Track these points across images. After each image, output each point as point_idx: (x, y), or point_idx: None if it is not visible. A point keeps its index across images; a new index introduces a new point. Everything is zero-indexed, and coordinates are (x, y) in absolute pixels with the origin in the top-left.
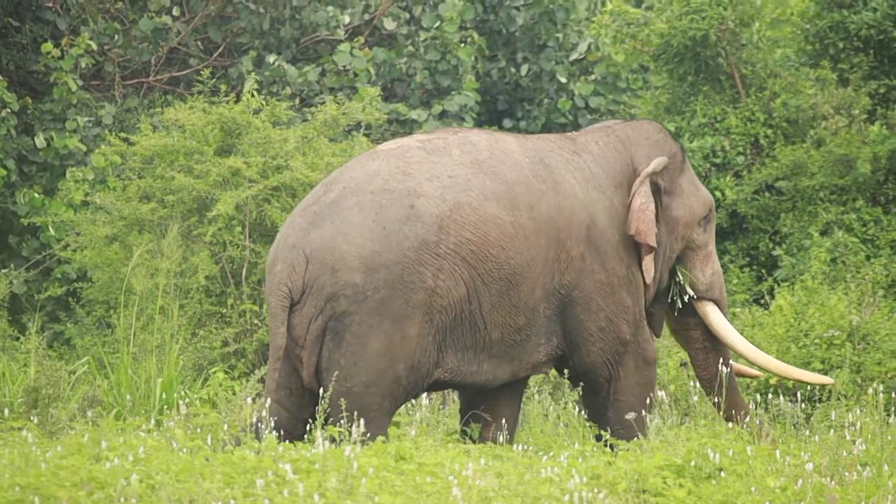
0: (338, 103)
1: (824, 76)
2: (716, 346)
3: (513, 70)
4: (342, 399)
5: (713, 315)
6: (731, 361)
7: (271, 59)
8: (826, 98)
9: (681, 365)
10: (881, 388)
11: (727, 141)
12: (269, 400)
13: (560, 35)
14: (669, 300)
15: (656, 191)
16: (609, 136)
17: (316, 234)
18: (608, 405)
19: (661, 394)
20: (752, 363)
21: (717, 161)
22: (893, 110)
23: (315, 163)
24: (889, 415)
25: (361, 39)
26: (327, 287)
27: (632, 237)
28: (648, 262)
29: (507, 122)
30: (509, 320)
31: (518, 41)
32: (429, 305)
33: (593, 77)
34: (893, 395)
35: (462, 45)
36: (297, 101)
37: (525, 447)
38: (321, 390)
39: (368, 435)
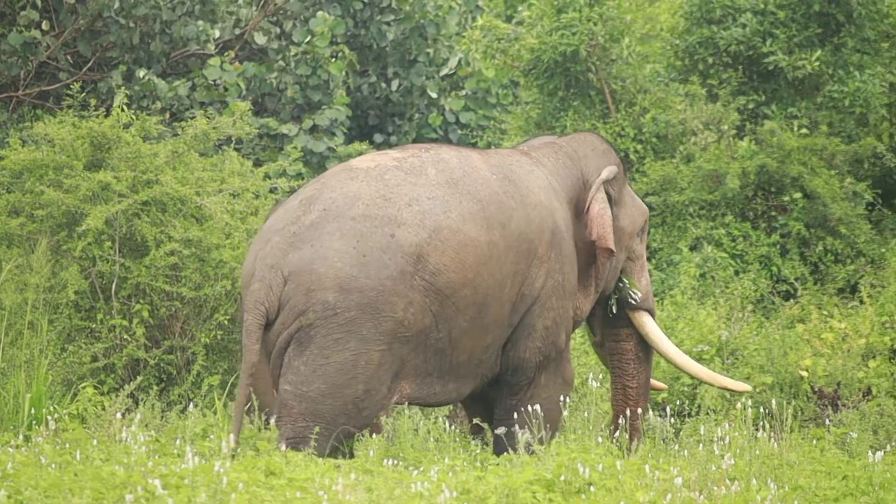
0: (208, 118)
1: (694, 92)
2: (647, 356)
3: (383, 85)
4: (297, 402)
5: (649, 325)
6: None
7: (141, 73)
8: (695, 113)
9: None
10: (749, 402)
11: None
12: (237, 413)
13: (430, 50)
14: (608, 311)
15: (608, 200)
16: (557, 151)
17: (295, 255)
18: (520, 410)
19: (535, 407)
20: (683, 371)
21: None
22: (762, 126)
23: (185, 177)
24: (757, 429)
25: (232, 54)
26: (299, 305)
27: (584, 249)
28: (602, 267)
29: (377, 137)
30: (478, 342)
31: (389, 56)
32: (393, 335)
33: (464, 92)
34: (762, 409)
35: (333, 59)
36: (168, 115)
37: (395, 462)
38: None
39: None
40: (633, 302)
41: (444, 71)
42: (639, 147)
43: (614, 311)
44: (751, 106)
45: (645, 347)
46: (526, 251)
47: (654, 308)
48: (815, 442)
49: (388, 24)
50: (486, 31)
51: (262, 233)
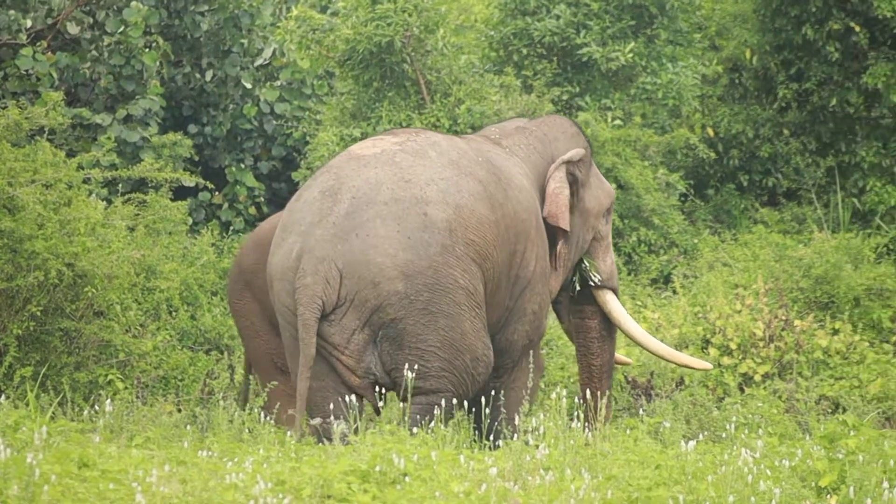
0: (21, 108)
1: (508, 83)
2: (611, 334)
3: (198, 75)
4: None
5: (613, 303)
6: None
7: None
8: (510, 104)
9: None
10: (564, 392)
11: None
12: (300, 405)
13: (245, 40)
14: (571, 290)
15: (573, 181)
16: (528, 137)
17: (344, 247)
18: (500, 394)
19: (350, 398)
20: (646, 349)
21: None
22: (576, 117)
23: None
24: (572, 419)
25: (45, 44)
26: (371, 300)
27: (550, 230)
28: (563, 247)
29: (192, 128)
30: (489, 318)
31: (203, 46)
32: (470, 302)
33: (279, 83)
34: (576, 399)
35: (147, 49)
36: None
37: (209, 453)
38: (396, 385)
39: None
40: (593, 283)
41: (259, 61)
42: None
43: (577, 288)
44: (565, 97)
45: (608, 325)
46: (523, 232)
47: (617, 287)
48: (628, 432)
49: (202, 14)
50: (300, 21)
51: (290, 227)
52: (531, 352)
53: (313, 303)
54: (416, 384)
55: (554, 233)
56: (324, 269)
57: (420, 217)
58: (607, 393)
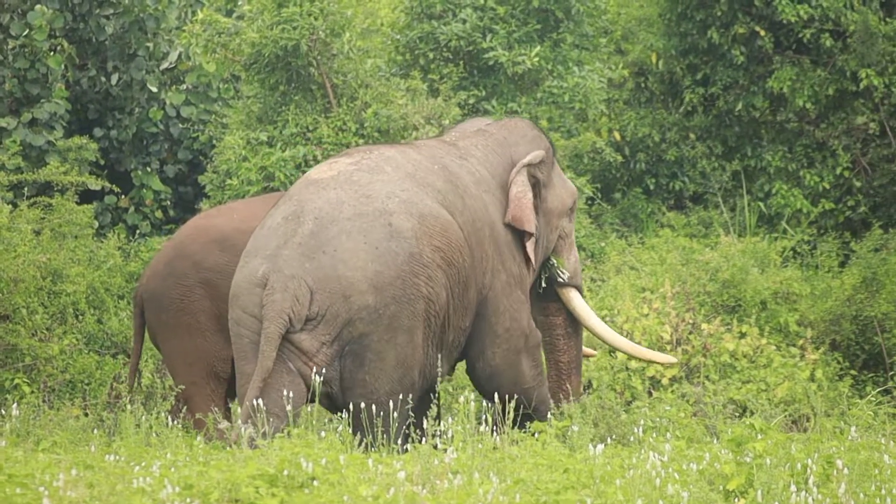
0: None
1: (415, 87)
2: (576, 330)
3: (103, 79)
4: (371, 409)
5: (577, 300)
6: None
7: None
8: (417, 108)
9: None
10: (472, 396)
11: (319, 150)
12: (246, 411)
13: (151, 44)
14: (537, 287)
15: (535, 184)
16: (487, 139)
17: (313, 264)
18: (517, 396)
19: (259, 402)
20: (610, 345)
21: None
22: None
23: None
24: (480, 423)
25: None
26: (343, 314)
27: (517, 233)
28: (530, 248)
29: (97, 131)
30: (462, 321)
31: (108, 50)
32: (427, 313)
33: (185, 86)
34: (484, 403)
35: (52, 53)
36: None
37: (117, 457)
38: (346, 404)
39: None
40: (561, 280)
41: (165, 65)
42: (361, 142)
43: (543, 285)
44: (471, 101)
45: (573, 322)
46: (480, 240)
47: (581, 284)
48: (536, 435)
49: (107, 17)
50: (206, 25)
51: (254, 251)
52: (527, 350)
53: (279, 318)
54: (366, 406)
55: (521, 236)
56: (293, 287)
57: (385, 227)
58: (580, 390)
